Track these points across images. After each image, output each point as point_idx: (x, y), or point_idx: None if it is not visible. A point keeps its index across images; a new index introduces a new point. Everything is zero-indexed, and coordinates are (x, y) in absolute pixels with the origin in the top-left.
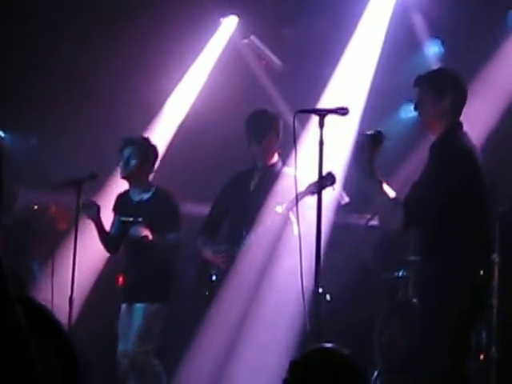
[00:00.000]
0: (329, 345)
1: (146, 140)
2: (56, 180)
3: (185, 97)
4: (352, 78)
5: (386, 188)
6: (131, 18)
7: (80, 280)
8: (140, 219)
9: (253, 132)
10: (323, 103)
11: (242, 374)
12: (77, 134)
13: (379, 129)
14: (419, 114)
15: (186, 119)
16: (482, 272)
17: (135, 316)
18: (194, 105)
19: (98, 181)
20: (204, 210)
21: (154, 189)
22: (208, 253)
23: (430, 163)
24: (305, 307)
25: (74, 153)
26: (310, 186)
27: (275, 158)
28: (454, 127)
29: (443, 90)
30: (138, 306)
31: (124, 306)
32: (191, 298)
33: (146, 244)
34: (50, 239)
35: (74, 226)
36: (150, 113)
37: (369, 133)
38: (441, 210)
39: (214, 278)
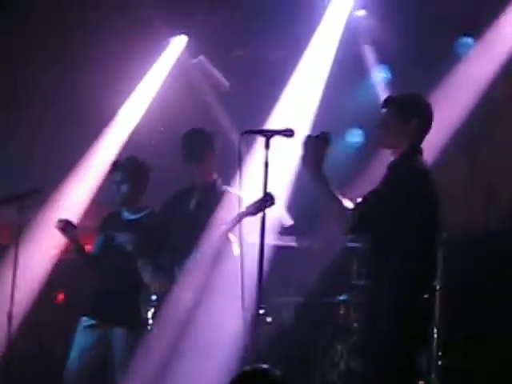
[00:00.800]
0: (263, 366)
1: (134, 160)
2: None
3: (131, 113)
4: (299, 101)
5: (336, 192)
6: (81, 35)
7: (19, 296)
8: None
9: (190, 152)
10: (270, 124)
11: None
12: (21, 149)
13: (325, 131)
14: (383, 133)
15: (132, 135)
16: (425, 297)
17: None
18: (140, 121)
19: (41, 195)
20: None
21: (148, 210)
22: (147, 276)
23: (388, 180)
24: (245, 329)
25: (19, 167)
26: (249, 206)
27: (214, 175)
28: (415, 150)
29: (409, 115)
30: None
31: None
32: None
33: (130, 256)
34: None
35: (15, 241)
36: (96, 129)
37: (314, 134)
38: (391, 227)
39: (154, 298)
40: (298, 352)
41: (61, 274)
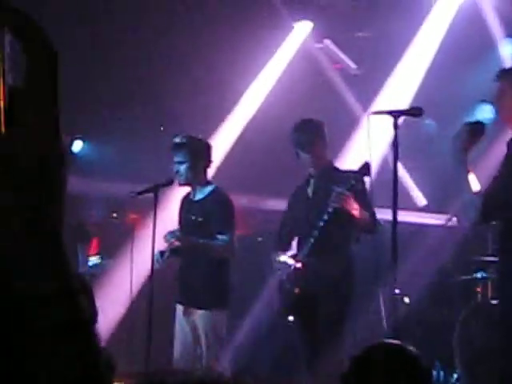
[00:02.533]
0: (392, 341)
1: (192, 138)
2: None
3: (255, 98)
4: (422, 79)
5: (472, 180)
6: (202, 19)
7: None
8: (193, 217)
9: (299, 142)
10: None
11: None
12: (141, 139)
13: (479, 120)
14: (499, 107)
15: (256, 119)
16: None
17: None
18: (264, 105)
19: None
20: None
21: (212, 187)
22: (276, 265)
23: (509, 158)
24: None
25: (140, 158)
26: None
27: (326, 162)
28: None
29: None
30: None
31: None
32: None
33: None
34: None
35: (152, 229)
36: (221, 114)
37: (470, 122)
38: None
39: (288, 286)
40: (435, 331)
41: None
